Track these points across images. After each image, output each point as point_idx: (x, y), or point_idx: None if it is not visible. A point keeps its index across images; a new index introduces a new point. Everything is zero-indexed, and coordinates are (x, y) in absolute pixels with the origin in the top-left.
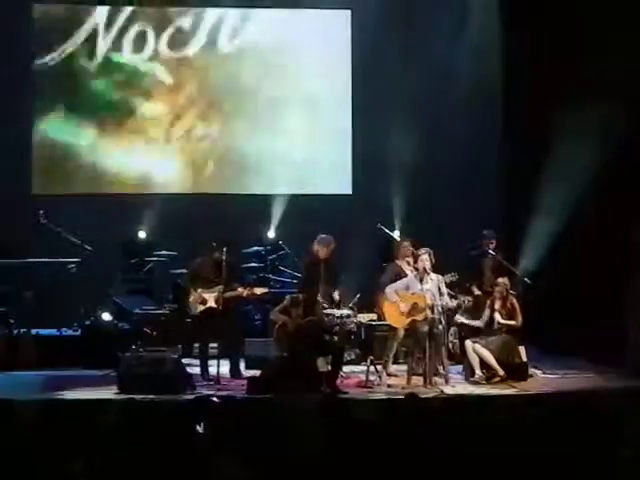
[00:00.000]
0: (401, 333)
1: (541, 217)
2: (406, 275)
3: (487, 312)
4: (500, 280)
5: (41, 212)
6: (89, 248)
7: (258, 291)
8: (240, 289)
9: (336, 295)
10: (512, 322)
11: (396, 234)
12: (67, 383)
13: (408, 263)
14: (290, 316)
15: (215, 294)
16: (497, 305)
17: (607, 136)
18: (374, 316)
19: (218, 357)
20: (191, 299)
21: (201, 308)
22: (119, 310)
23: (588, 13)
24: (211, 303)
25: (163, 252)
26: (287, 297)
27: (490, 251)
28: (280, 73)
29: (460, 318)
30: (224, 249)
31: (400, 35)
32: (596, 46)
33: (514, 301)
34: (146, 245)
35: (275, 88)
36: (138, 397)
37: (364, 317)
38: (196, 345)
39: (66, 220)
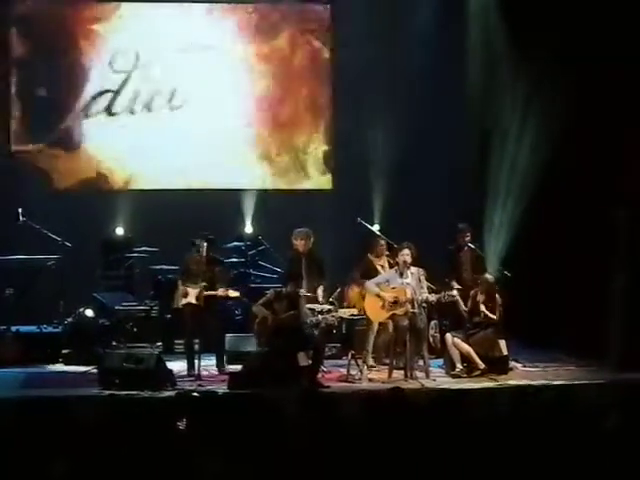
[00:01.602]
0: (375, 326)
1: (520, 211)
2: (376, 270)
3: (470, 303)
4: (485, 276)
5: (20, 210)
6: (68, 245)
7: (232, 294)
8: (221, 290)
9: (320, 291)
10: (492, 316)
11: (376, 228)
12: (48, 380)
13: (379, 257)
14: (273, 310)
15: (197, 290)
16: (481, 298)
17: (582, 130)
18: (355, 311)
19: (199, 353)
20: (177, 293)
21: (183, 302)
22: (100, 306)
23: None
24: (191, 299)
25: (143, 248)
26: (271, 290)
27: (469, 244)
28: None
29: (461, 305)
30: (204, 244)
31: (381, 31)
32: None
33: (497, 297)
34: (126, 241)
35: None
36: (119, 393)
37: (345, 312)
38: (177, 341)
39: (45, 217)
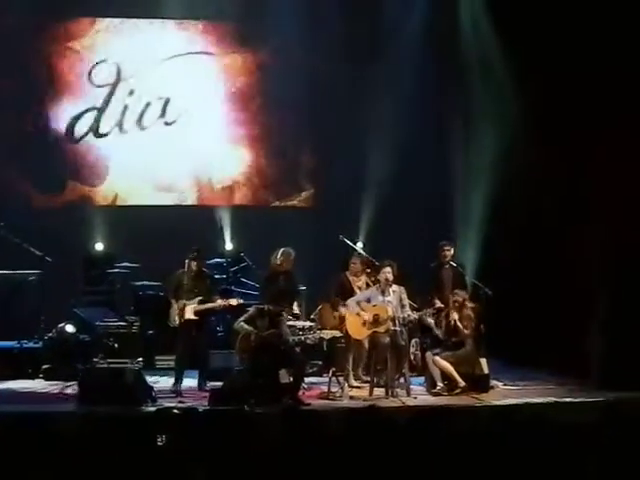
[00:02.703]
0: (353, 343)
1: (502, 229)
2: (352, 288)
3: (443, 323)
4: (457, 291)
5: (0, 224)
6: (49, 260)
7: (234, 302)
8: (219, 301)
9: (296, 307)
10: (465, 331)
11: (359, 246)
12: (28, 395)
13: (356, 276)
14: (255, 327)
15: (193, 305)
16: (455, 316)
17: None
18: (337, 333)
19: (184, 369)
20: (172, 311)
21: (181, 320)
22: (80, 322)
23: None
24: (189, 315)
25: (125, 264)
26: (253, 308)
27: (451, 262)
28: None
29: (429, 321)
30: (194, 261)
31: (368, 47)
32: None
33: (469, 313)
34: (107, 257)
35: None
36: (99, 409)
37: (327, 333)
38: (158, 357)
39: (26, 232)
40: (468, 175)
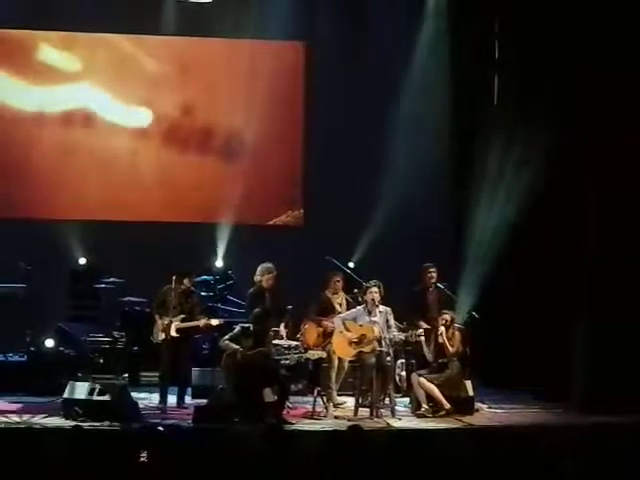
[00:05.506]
0: (336, 363)
1: (488, 251)
2: (333, 307)
3: (432, 345)
4: (444, 311)
5: None
6: (31, 270)
7: (214, 322)
8: (203, 320)
9: (282, 328)
10: (450, 348)
11: (350, 266)
12: (11, 409)
13: (336, 294)
14: (241, 345)
15: (176, 323)
16: (443, 330)
17: (550, 164)
18: (323, 354)
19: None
20: (155, 327)
21: (162, 336)
22: (66, 336)
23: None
24: (173, 332)
25: (111, 279)
26: (238, 326)
27: (438, 284)
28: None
29: (420, 338)
30: (183, 278)
31: (354, 68)
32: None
33: (456, 333)
34: (93, 272)
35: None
36: (83, 425)
37: (313, 354)
38: (143, 373)
39: (14, 245)
40: (461, 200)
